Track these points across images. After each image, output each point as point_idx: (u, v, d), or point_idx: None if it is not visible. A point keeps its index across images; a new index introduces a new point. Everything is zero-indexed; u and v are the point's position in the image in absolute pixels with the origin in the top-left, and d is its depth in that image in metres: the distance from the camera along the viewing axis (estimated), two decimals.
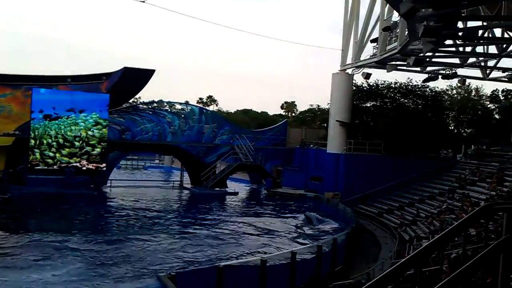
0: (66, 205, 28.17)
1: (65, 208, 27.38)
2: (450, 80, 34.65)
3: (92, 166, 34.24)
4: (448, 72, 30.23)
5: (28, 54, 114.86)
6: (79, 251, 17.56)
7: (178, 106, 41.34)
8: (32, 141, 32.62)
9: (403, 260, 4.67)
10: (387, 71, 30.53)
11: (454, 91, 46.63)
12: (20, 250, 17.40)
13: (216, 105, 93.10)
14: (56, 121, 33.28)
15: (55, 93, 33.48)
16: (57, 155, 33.30)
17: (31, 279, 13.91)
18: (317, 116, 57.49)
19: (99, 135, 34.28)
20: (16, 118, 33.18)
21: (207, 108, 69.19)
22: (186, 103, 43.71)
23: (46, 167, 32.96)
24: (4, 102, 32.99)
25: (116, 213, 26.91)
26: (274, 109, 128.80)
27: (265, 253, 18.09)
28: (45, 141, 33.00)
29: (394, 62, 29.49)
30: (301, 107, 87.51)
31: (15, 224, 22.76)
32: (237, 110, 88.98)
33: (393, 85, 38.21)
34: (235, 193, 36.83)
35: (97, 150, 34.26)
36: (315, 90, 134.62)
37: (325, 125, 41.83)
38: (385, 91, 38.61)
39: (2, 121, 32.77)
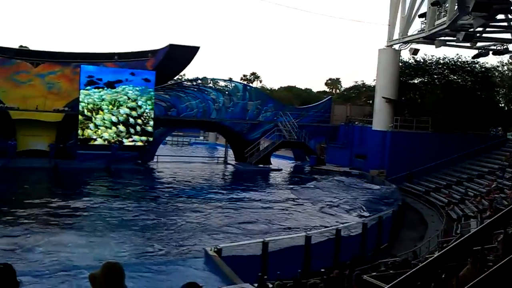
0: (115, 179, 29.04)
1: (114, 182, 28.27)
2: (501, 56, 33.38)
3: (140, 142, 34.84)
4: (499, 47, 29.14)
5: (76, 31, 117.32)
6: (127, 224, 18.05)
7: (222, 83, 41.37)
8: (81, 117, 33.40)
9: (466, 235, 4.58)
10: (436, 47, 29.69)
11: (505, 68, 44.93)
12: (74, 219, 18.04)
13: (260, 82, 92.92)
14: (104, 97, 33.89)
15: (102, 70, 34.06)
16: (106, 131, 33.99)
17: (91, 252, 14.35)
18: (362, 93, 56.44)
19: (145, 112, 34.78)
20: (65, 95, 33.99)
21: (250, 85, 69.07)
22: (230, 80, 43.69)
23: (95, 143, 33.74)
24: (54, 79, 33.80)
25: (163, 188, 27.48)
26: (318, 86, 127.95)
27: (311, 229, 18.09)
28: (93, 117, 33.73)
29: (443, 38, 28.64)
30: (346, 83, 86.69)
31: (69, 194, 23.55)
32: (281, 87, 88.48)
33: (441, 61, 37.14)
34: (279, 170, 36.87)
35: (144, 126, 34.79)
36: (360, 66, 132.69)
37: (371, 102, 41.20)
38: (433, 67, 37.57)
39: (52, 98, 33.64)
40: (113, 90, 34.07)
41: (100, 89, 33.82)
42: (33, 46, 66.04)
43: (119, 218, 19.18)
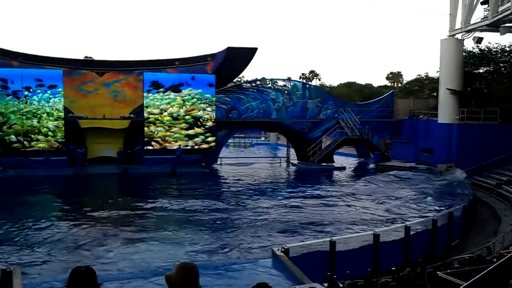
0: (182, 181, 29.76)
1: (181, 184, 29.00)
2: None
3: (203, 145, 35.44)
4: None
5: (137, 40, 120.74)
6: (196, 225, 18.40)
7: (281, 83, 41.35)
8: (146, 123, 34.35)
9: None
10: (501, 34, 28.54)
11: None
12: (144, 221, 18.58)
13: (319, 80, 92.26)
14: (167, 103, 34.70)
15: (164, 76, 34.89)
16: (170, 135, 34.79)
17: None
18: (425, 86, 54.96)
19: (208, 115, 35.35)
20: (130, 102, 35.03)
21: (310, 83, 68.73)
22: (289, 79, 43.57)
23: (160, 148, 34.61)
24: (119, 87, 34.91)
25: (228, 189, 27.84)
26: (379, 81, 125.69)
27: (379, 225, 17.78)
28: (158, 122, 34.60)
29: (507, 24, 27.45)
30: (407, 76, 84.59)
31: (139, 197, 24.29)
32: (340, 83, 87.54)
33: (507, 49, 35.59)
34: (343, 168, 36.48)
35: (207, 129, 35.36)
36: (422, 58, 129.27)
37: (435, 94, 40.03)
38: (499, 55, 36.07)
39: (117, 105, 34.76)
40: (175, 94, 34.82)
41: (163, 95, 34.67)
42: (97, 56, 68.54)
43: (188, 219, 19.62)
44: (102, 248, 15.08)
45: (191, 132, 35.11)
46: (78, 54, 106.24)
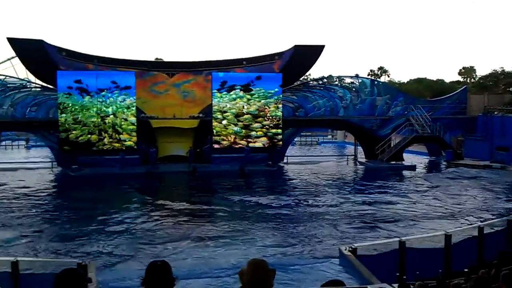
0: (249, 179, 30.13)
1: (249, 181, 29.38)
2: None
3: (270, 143, 35.69)
4: None
5: (205, 41, 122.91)
6: (266, 222, 18.59)
7: (348, 80, 40.94)
8: (215, 122, 35.00)
9: None
10: None
11: None
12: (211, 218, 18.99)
13: (388, 76, 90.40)
14: (236, 102, 35.18)
15: (232, 76, 35.40)
16: (237, 134, 35.27)
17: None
18: (500, 80, 52.70)
19: (274, 114, 35.54)
20: (199, 102, 35.81)
21: (378, 79, 67.52)
22: (356, 76, 43.12)
23: (228, 146, 35.19)
24: (188, 88, 35.77)
25: (295, 186, 27.87)
26: (450, 76, 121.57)
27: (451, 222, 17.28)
28: (225, 122, 35.17)
29: None
30: (481, 71, 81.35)
31: (209, 194, 24.82)
32: (410, 79, 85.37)
33: None
34: (413, 166, 35.61)
35: (273, 128, 35.58)
36: (497, 52, 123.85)
37: (511, 89, 38.35)
38: None
39: (187, 105, 35.62)
40: (243, 94, 35.24)
41: (231, 94, 35.18)
42: (167, 58, 70.45)
43: (256, 216, 19.85)
44: (173, 244, 15.51)
45: (257, 131, 35.41)
46: (149, 56, 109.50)
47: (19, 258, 9.78)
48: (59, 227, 18.23)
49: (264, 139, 35.50)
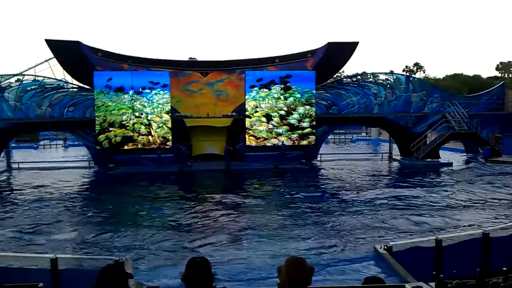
0: (283, 177, 30.16)
1: (283, 179, 29.41)
2: None
3: (303, 141, 35.64)
4: None
5: (238, 40, 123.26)
6: (300, 219, 18.58)
7: (383, 77, 40.46)
8: (248, 121, 35.13)
9: None
10: None
11: None
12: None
13: (423, 72, 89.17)
14: (269, 100, 35.21)
15: (265, 74, 35.45)
16: (271, 132, 35.33)
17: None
18: None
19: (308, 112, 35.45)
20: (233, 100, 36.01)
21: (413, 76, 66.56)
22: (391, 72, 42.53)
23: (261, 144, 35.29)
24: (222, 87, 36.02)
25: (328, 184, 27.73)
26: (487, 72, 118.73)
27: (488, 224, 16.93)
28: (258, 120, 35.24)
29: None
30: None
31: (242, 192, 24.96)
32: (446, 75, 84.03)
33: None
34: (449, 164, 34.98)
35: (307, 125, 35.51)
36: None
37: None
38: None
39: (220, 104, 35.88)
40: (276, 92, 35.24)
41: (263, 93, 35.24)
42: (200, 57, 71.03)
43: (291, 214, 19.83)
44: (208, 241, 15.64)
45: (290, 129, 35.40)
46: (183, 55, 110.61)
47: (58, 255, 10.02)
48: (96, 224, 18.59)
49: (296, 135, 35.45)
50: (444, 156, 37.13)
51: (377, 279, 3.46)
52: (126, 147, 33.99)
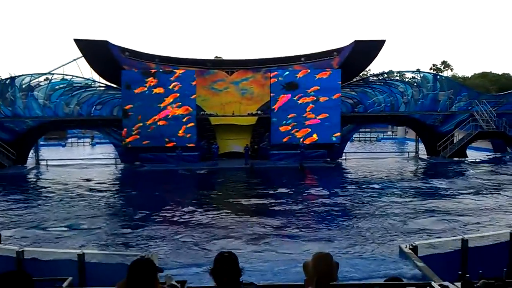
0: (307, 176, 30.09)
1: (307, 178, 29.34)
2: None
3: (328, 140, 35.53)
4: None
5: (263, 38, 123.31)
6: (325, 218, 18.56)
7: (409, 75, 40.08)
8: (274, 119, 35.14)
9: None
10: None
11: None
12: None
13: (451, 70, 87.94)
14: (294, 99, 35.15)
15: (291, 73, 35.36)
16: (297, 130, 35.28)
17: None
18: None
19: (332, 110, 35.24)
20: (258, 99, 36.11)
21: (441, 74, 65.71)
22: (418, 71, 42.09)
23: (285, 143, 35.27)
24: (247, 85, 36.15)
25: (353, 183, 27.52)
26: None
27: None
28: (283, 120, 35.21)
29: None
30: None
31: (267, 190, 24.98)
32: (474, 73, 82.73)
33: None
34: (476, 163, 34.46)
35: (331, 124, 35.37)
36: None
37: None
38: None
39: (245, 103, 36.01)
40: (300, 90, 35.15)
41: (289, 91, 35.16)
42: (226, 56, 71.32)
43: (317, 213, 19.82)
44: (231, 239, 15.72)
45: (313, 128, 35.30)
46: (208, 54, 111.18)
47: (85, 251, 10.23)
48: (123, 220, 18.89)
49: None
50: (472, 155, 36.57)
51: (396, 279, 3.47)
52: (152, 145, 34.23)
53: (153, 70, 34.53)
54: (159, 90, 34.23)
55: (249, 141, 35.82)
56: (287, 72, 35.36)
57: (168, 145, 34.32)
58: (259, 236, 16.05)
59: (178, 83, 34.35)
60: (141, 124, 34.16)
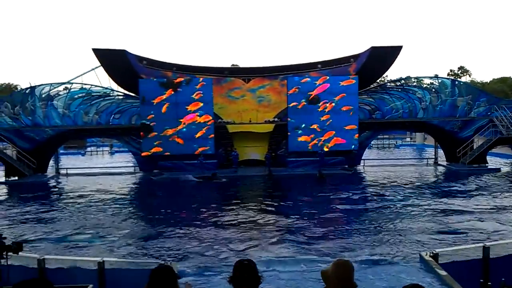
0: (326, 183, 29.96)
1: (327, 185, 29.18)
2: None
3: (345, 147, 35.38)
4: None
5: (279, 46, 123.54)
6: (344, 225, 18.46)
7: (427, 81, 39.80)
8: (290, 127, 35.09)
9: None
10: None
11: None
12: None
13: (469, 76, 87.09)
14: (312, 106, 35.06)
15: (307, 80, 35.30)
16: (313, 137, 35.18)
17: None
18: None
19: (349, 117, 35.10)
20: (275, 106, 36.17)
21: (459, 80, 65.12)
22: (436, 76, 41.77)
23: (302, 150, 35.19)
24: (264, 93, 36.24)
25: (372, 190, 27.35)
26: None
27: None
28: (300, 127, 35.14)
29: None
30: None
31: (287, 198, 24.94)
32: (493, 79, 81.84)
33: None
34: (497, 170, 34.03)
35: (348, 130, 35.21)
36: None
37: None
38: None
39: (262, 110, 36.09)
40: (318, 96, 35.06)
41: (306, 97, 35.08)
42: (243, 64, 71.54)
43: (336, 218, 19.78)
44: (248, 245, 15.71)
45: (330, 134, 35.18)
46: (225, 62, 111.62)
47: (105, 259, 10.32)
48: (142, 228, 18.98)
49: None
50: (492, 161, 36.12)
51: (417, 287, 3.44)
52: (170, 153, 34.39)
53: (176, 80, 34.56)
54: (178, 98, 34.32)
55: (267, 148, 35.84)
56: (308, 79, 35.19)
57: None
58: (278, 241, 16.01)
59: (200, 91, 34.42)
60: (162, 134, 34.29)
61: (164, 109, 34.15)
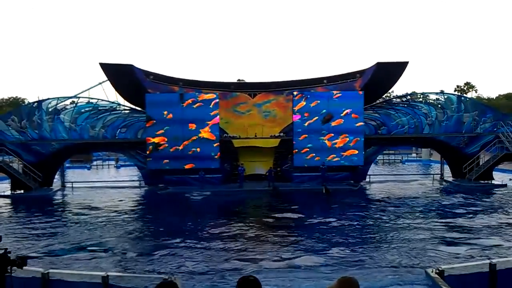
0: (331, 198, 29.86)
1: (332, 201, 29.05)
2: None
3: (351, 163, 35.27)
4: None
5: (285, 61, 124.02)
6: (348, 241, 18.35)
7: (433, 96, 39.78)
8: (295, 142, 35.06)
9: None
10: None
11: None
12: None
13: (475, 92, 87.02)
14: (315, 121, 35.06)
15: (312, 95, 35.32)
16: (318, 152, 35.14)
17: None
18: None
19: (356, 132, 35.05)
20: (280, 121, 36.22)
21: (465, 95, 65.11)
22: (442, 92, 41.73)
23: (307, 165, 35.10)
24: (269, 108, 36.33)
25: (379, 206, 27.19)
26: None
27: None
28: (306, 142, 35.10)
29: None
30: None
31: (294, 212, 24.84)
32: (500, 94, 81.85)
33: None
34: (503, 185, 33.82)
35: (354, 146, 35.13)
36: None
37: None
38: None
39: (268, 125, 36.12)
40: (322, 113, 35.05)
41: (312, 113, 35.08)
42: (248, 79, 71.83)
43: (339, 233, 19.61)
44: (252, 261, 15.62)
45: (336, 149, 35.12)
46: (231, 77, 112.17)
47: (109, 273, 10.30)
48: (147, 242, 18.94)
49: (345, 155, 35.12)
50: (498, 177, 35.92)
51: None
52: (175, 167, 34.39)
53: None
54: (185, 114, 34.44)
55: (272, 163, 35.80)
56: (309, 94, 35.25)
57: (188, 166, 34.40)
58: (279, 259, 15.93)
59: (203, 105, 34.53)
60: (170, 149, 34.44)
61: (170, 124, 34.23)
